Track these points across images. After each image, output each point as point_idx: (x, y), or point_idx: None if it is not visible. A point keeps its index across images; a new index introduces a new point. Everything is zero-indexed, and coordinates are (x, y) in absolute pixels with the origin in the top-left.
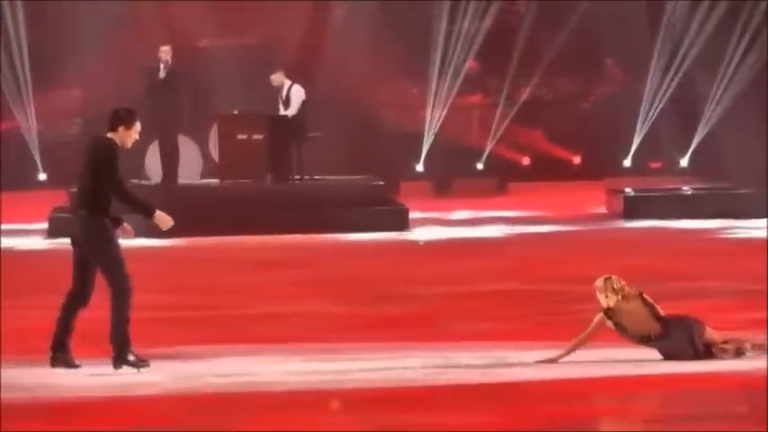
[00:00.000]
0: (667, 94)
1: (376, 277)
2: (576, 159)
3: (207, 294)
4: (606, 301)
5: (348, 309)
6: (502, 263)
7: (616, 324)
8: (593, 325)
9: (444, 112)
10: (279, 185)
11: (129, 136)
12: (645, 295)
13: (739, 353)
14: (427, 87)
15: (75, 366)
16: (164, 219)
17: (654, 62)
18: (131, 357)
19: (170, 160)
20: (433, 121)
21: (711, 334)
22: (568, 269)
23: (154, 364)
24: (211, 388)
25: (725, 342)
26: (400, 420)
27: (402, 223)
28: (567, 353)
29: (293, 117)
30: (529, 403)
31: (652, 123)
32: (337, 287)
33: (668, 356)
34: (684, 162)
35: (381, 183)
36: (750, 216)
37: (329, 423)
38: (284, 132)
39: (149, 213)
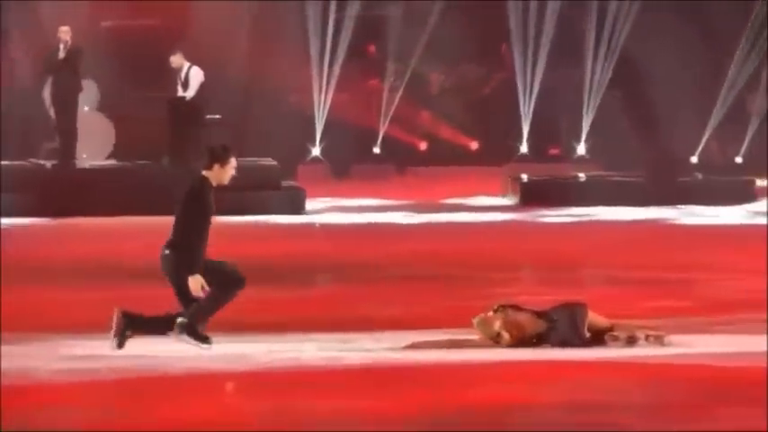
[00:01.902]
0: (537, 81)
1: (273, 261)
2: (474, 145)
3: (105, 278)
4: (492, 330)
5: (245, 292)
6: (402, 248)
7: (507, 344)
8: (477, 339)
9: (331, 96)
10: (176, 168)
11: (225, 173)
12: (510, 305)
13: (631, 341)
14: (318, 70)
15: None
16: (195, 284)
17: (518, 49)
18: (200, 331)
19: (67, 140)
20: (321, 104)
21: (598, 320)
22: (469, 255)
23: (50, 346)
24: (113, 372)
25: (612, 328)
26: (295, 404)
27: (299, 206)
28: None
29: (191, 99)
30: (426, 388)
31: (547, 111)
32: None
33: (558, 346)
34: (582, 149)
35: (278, 165)
36: (650, 204)
37: (223, 406)
38: (182, 114)
39: (191, 270)
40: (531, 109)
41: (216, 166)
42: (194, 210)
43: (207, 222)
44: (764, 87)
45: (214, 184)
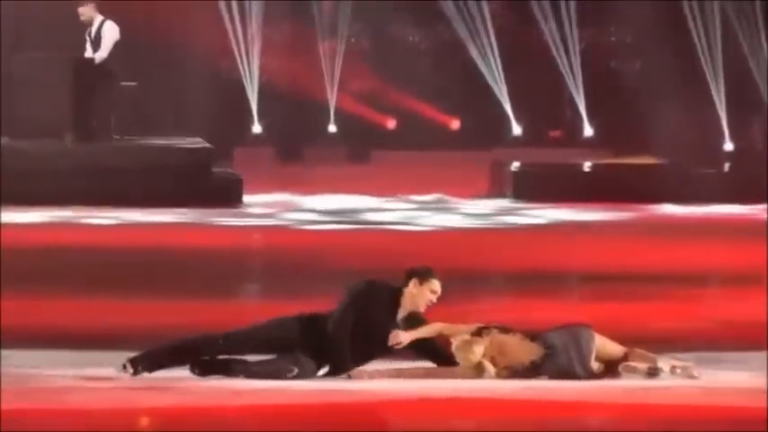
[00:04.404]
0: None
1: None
2: (455, 124)
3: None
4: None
5: (167, 300)
6: (356, 254)
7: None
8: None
9: (268, 62)
10: (81, 146)
11: (422, 294)
12: (495, 326)
13: (653, 373)
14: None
15: None
16: (360, 374)
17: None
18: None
19: None
20: (249, 71)
21: (609, 346)
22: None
23: None
24: None
25: (627, 357)
26: None
27: (234, 197)
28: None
29: (103, 61)
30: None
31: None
32: (149, 273)
33: (556, 377)
34: (589, 131)
35: (210, 147)
36: (677, 200)
37: None
38: (91, 80)
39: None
40: (502, 78)
41: (412, 282)
42: (356, 312)
43: (357, 335)
44: None
45: (405, 305)
